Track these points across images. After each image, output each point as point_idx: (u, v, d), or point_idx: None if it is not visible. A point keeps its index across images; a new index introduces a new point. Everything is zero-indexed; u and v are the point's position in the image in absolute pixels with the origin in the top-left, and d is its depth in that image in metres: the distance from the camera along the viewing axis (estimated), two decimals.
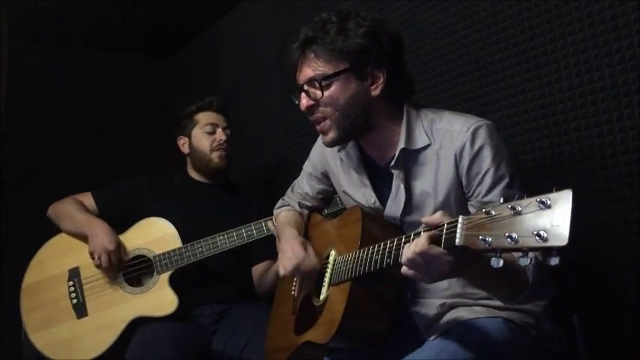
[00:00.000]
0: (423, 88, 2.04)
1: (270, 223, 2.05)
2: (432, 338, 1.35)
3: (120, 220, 2.24)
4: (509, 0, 1.81)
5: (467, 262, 1.10)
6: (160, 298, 2.10)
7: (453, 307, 1.39)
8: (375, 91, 1.37)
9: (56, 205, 2.30)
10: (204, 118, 2.37)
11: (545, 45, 1.72)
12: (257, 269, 2.30)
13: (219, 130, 2.35)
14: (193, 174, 2.41)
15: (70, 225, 2.22)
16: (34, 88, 3.16)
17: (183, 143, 2.41)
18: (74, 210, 2.23)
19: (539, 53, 1.74)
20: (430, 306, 1.41)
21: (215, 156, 2.32)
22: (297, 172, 1.84)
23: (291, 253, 1.56)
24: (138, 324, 2.07)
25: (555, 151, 1.72)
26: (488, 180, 1.30)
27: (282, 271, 1.58)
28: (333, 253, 1.55)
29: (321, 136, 1.46)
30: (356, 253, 1.39)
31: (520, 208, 0.93)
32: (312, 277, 1.57)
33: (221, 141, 2.33)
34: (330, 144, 1.45)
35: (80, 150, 3.29)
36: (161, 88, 3.73)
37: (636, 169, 1.54)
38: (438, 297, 1.40)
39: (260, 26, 2.98)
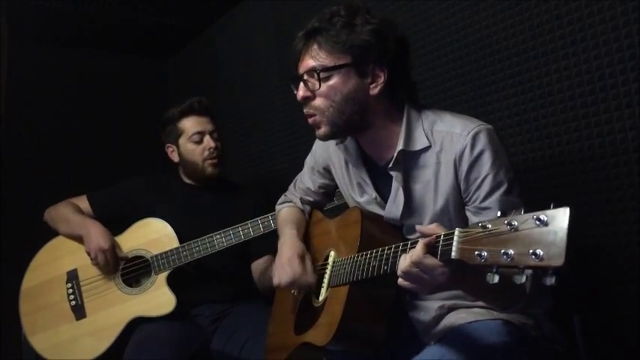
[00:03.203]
0: (423, 88, 2.03)
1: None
2: (432, 343, 1.34)
3: (117, 221, 2.24)
4: (509, 0, 1.81)
5: (463, 275, 1.09)
6: (157, 298, 2.10)
7: (452, 308, 1.38)
8: (374, 90, 1.36)
9: (52, 209, 2.29)
10: (189, 125, 2.28)
11: (545, 45, 1.72)
12: (257, 265, 2.27)
13: (206, 138, 2.27)
14: (186, 179, 2.37)
15: (65, 228, 2.22)
16: (34, 88, 3.15)
17: (172, 151, 2.36)
18: (69, 213, 2.23)
19: (539, 53, 1.74)
20: (429, 309, 1.40)
21: (207, 165, 2.26)
22: (296, 172, 1.83)
23: (288, 267, 1.54)
24: (136, 324, 2.07)
25: (555, 151, 1.72)
26: (486, 186, 1.28)
27: (276, 281, 1.57)
28: (332, 254, 1.54)
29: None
30: (354, 257, 1.38)
31: (517, 224, 0.92)
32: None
33: (211, 149, 2.26)
34: (322, 138, 1.42)
35: (80, 150, 3.29)
36: (161, 88, 3.72)
37: (636, 169, 1.54)
38: (437, 299, 1.39)
39: (260, 26, 2.98)
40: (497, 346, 1.27)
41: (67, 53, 3.35)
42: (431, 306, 1.40)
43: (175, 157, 2.36)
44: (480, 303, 1.35)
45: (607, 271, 1.64)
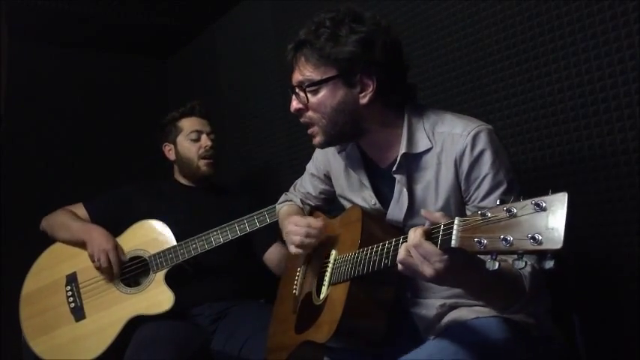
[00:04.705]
0: (423, 88, 2.04)
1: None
2: (431, 338, 1.35)
3: (112, 229, 2.23)
4: (510, 0, 1.81)
5: (463, 266, 1.09)
6: (156, 296, 2.10)
7: (453, 307, 1.39)
8: (364, 100, 1.35)
9: (48, 217, 2.30)
10: (188, 124, 2.38)
11: (545, 45, 1.72)
12: (269, 256, 2.28)
13: (203, 137, 2.36)
14: (181, 179, 2.43)
15: (65, 234, 2.22)
16: (34, 88, 3.15)
17: (169, 150, 2.43)
18: (68, 219, 2.24)
19: (539, 53, 1.74)
20: (430, 306, 1.40)
21: (202, 164, 2.35)
22: (296, 172, 1.84)
23: (294, 227, 1.56)
24: (137, 324, 2.06)
25: (555, 151, 1.72)
26: (485, 185, 1.29)
27: (293, 250, 1.57)
28: (333, 252, 1.55)
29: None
30: (355, 253, 1.39)
31: (515, 211, 0.93)
32: (321, 239, 1.56)
33: (207, 147, 2.35)
34: (319, 146, 1.46)
35: (80, 150, 3.29)
36: (161, 88, 3.73)
37: (636, 169, 1.54)
38: (439, 297, 1.40)
39: (260, 26, 2.98)
40: (497, 342, 1.28)
41: (67, 53, 3.35)
42: (432, 304, 1.40)
43: (172, 156, 2.42)
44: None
45: (607, 271, 1.64)
